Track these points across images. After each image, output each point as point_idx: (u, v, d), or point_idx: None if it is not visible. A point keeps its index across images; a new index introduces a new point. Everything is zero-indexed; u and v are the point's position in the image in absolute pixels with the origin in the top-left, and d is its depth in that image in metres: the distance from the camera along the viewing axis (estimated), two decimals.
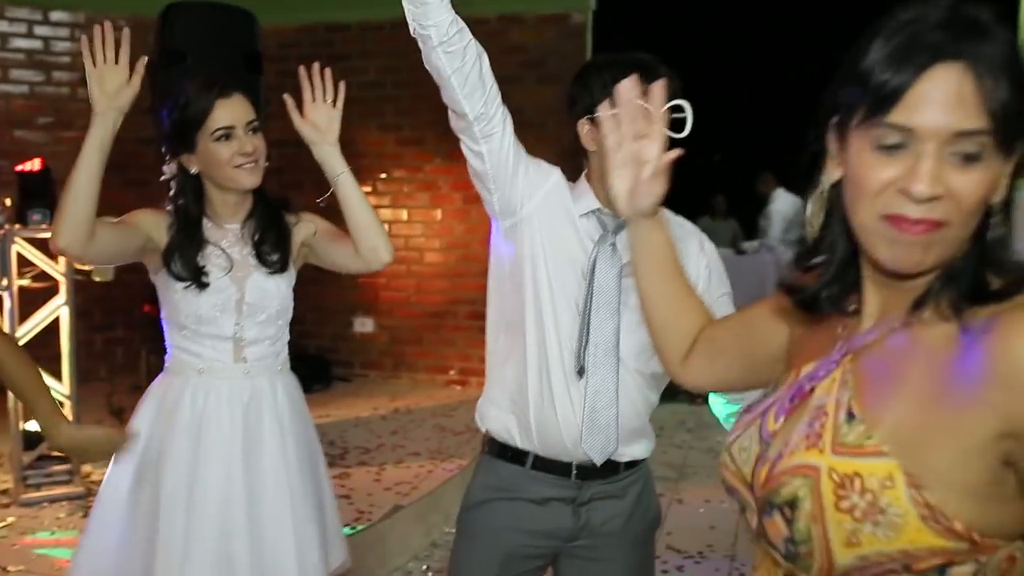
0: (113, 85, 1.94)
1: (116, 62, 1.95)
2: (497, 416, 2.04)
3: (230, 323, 2.11)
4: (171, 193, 2.16)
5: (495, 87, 2.00)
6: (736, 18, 8.58)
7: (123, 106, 1.96)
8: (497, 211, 1.97)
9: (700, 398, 6.31)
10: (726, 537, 4.08)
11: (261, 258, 2.14)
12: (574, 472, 1.95)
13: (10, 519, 3.67)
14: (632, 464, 2.01)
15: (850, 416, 0.97)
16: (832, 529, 0.93)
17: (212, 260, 2.11)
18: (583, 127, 1.93)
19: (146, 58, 1.99)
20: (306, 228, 2.22)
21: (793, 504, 0.96)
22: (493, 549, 1.99)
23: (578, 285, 1.91)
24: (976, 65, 0.89)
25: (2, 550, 3.39)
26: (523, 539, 1.98)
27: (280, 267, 2.16)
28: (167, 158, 2.14)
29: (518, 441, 1.98)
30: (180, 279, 2.08)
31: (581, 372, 1.90)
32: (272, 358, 2.18)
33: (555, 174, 1.99)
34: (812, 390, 1.04)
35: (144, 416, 2.13)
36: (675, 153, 1.24)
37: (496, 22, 6.01)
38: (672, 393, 2.08)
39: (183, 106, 2.07)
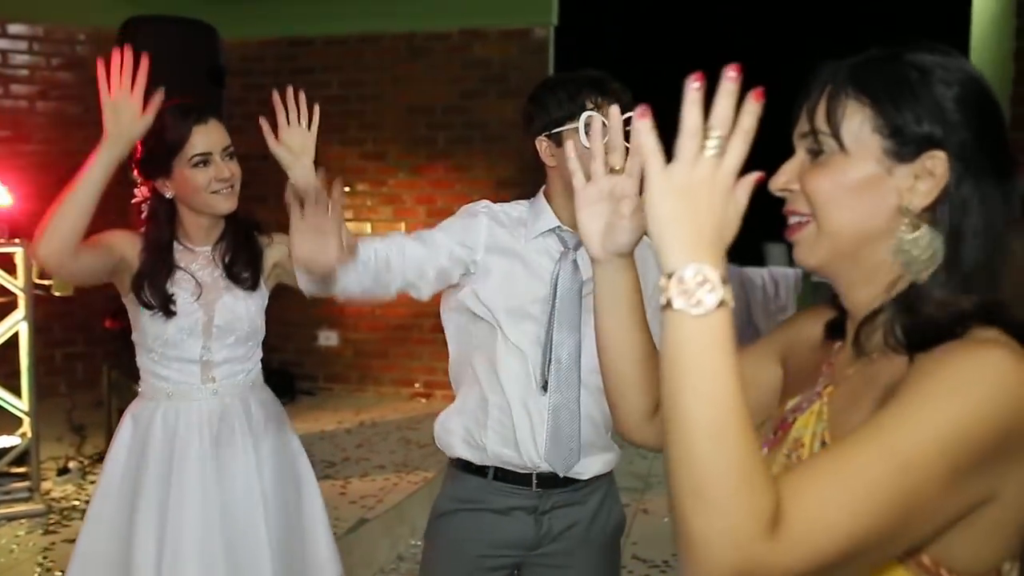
0: (127, 115, 1.92)
1: (132, 91, 1.92)
2: (458, 432, 2.07)
3: (196, 346, 2.11)
4: (143, 216, 2.15)
5: (409, 271, 1.96)
6: (697, 33, 8.69)
7: (135, 137, 1.95)
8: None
9: None
10: None
11: (232, 278, 2.14)
12: (535, 482, 1.98)
13: None
14: (594, 478, 2.02)
15: (823, 445, 0.99)
16: None
17: (181, 285, 2.11)
18: (541, 144, 1.96)
19: (163, 89, 1.95)
20: (279, 250, 2.23)
21: None
22: (458, 559, 2.02)
23: (540, 303, 1.93)
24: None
25: None
26: (486, 549, 2.00)
27: (251, 285, 2.16)
28: (139, 182, 2.13)
29: (478, 459, 2.01)
30: (148, 307, 2.07)
31: (545, 387, 1.93)
32: (243, 375, 2.19)
33: (481, 218, 1.98)
34: (794, 422, 1.07)
35: (122, 440, 2.13)
36: (755, 176, 1.04)
37: (458, 36, 6.04)
38: None
39: (159, 132, 2.05)
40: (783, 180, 1.04)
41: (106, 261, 2.07)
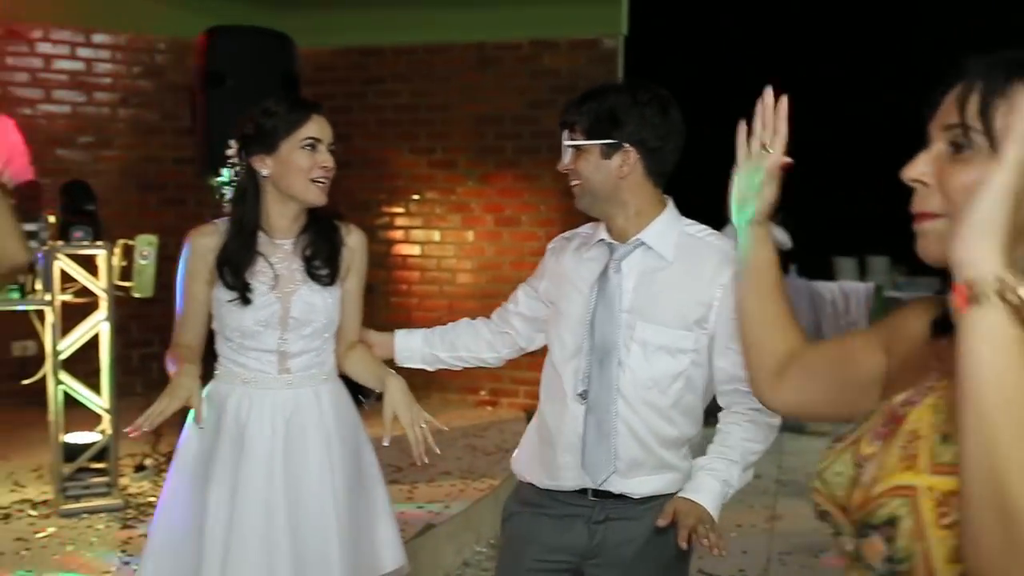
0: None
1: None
2: (522, 451, 2.20)
3: (273, 337, 2.16)
4: (229, 198, 2.22)
5: (522, 322, 2.29)
6: (767, 43, 8.61)
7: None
8: None
9: None
10: (758, 562, 4.07)
11: (311, 273, 2.19)
12: (589, 492, 2.03)
13: (51, 529, 3.73)
14: (651, 498, 2.02)
15: (944, 437, 0.98)
16: (935, 546, 0.93)
17: (259, 276, 2.16)
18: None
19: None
20: (346, 265, 2.28)
21: (893, 523, 0.97)
22: (519, 559, 2.10)
23: (583, 311, 2.02)
24: None
25: (43, 560, 3.45)
26: (543, 553, 2.07)
27: (329, 281, 2.21)
28: (242, 155, 2.18)
29: (532, 479, 2.12)
30: (229, 289, 2.13)
31: (584, 396, 1.99)
32: (317, 368, 2.23)
33: (547, 254, 2.20)
34: (905, 415, 1.05)
35: (191, 429, 2.20)
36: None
37: (528, 47, 6.08)
38: (704, 416, 2.12)
39: (273, 112, 2.13)
40: (918, 171, 1.01)
41: (206, 307, 2.19)
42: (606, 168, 1.95)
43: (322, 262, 2.20)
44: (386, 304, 6.27)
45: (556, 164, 2.04)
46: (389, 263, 6.39)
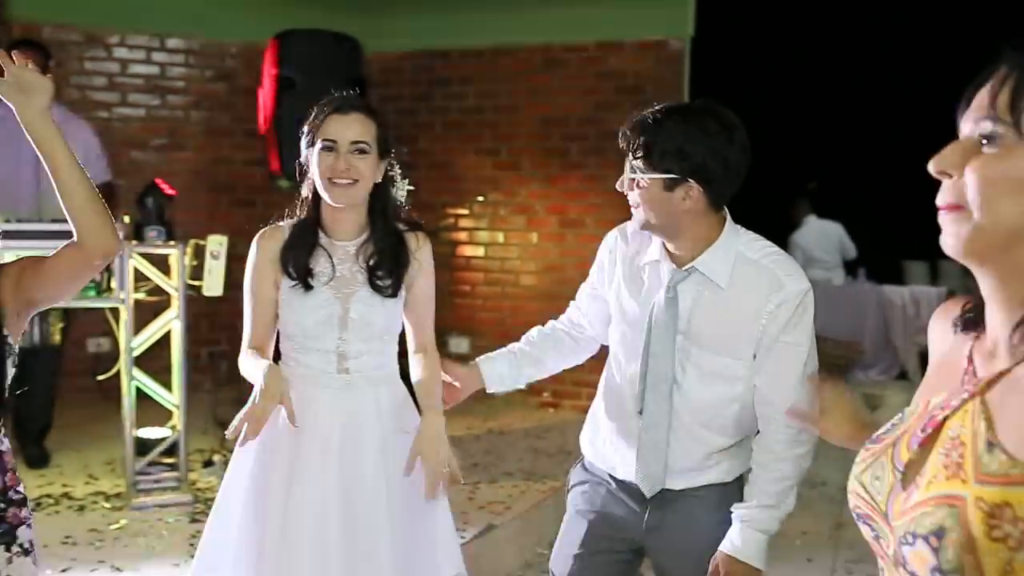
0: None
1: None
2: (587, 432, 2.28)
3: (333, 337, 2.19)
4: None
5: (592, 322, 2.30)
6: (835, 45, 8.47)
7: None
8: None
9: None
10: (823, 570, 4.01)
11: (373, 283, 2.20)
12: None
13: (123, 521, 3.83)
14: (704, 487, 2.09)
15: (989, 445, 0.96)
16: (986, 559, 0.91)
17: (319, 268, 2.19)
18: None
19: None
20: (411, 275, 2.28)
21: (940, 534, 0.95)
22: (579, 525, 2.18)
23: (641, 332, 2.03)
24: None
25: (115, 551, 3.54)
26: (601, 522, 2.15)
27: (391, 293, 2.22)
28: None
29: (593, 460, 2.22)
30: (291, 277, 2.17)
31: (641, 412, 2.04)
32: (376, 369, 2.25)
33: (603, 252, 2.19)
34: (944, 420, 1.03)
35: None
36: None
37: (594, 48, 6.07)
38: None
39: (311, 113, 2.18)
40: (944, 163, 0.99)
41: (272, 307, 2.23)
42: (667, 200, 1.92)
43: (385, 273, 2.20)
44: (450, 305, 6.31)
45: (620, 165, 2.01)
46: (453, 264, 6.42)
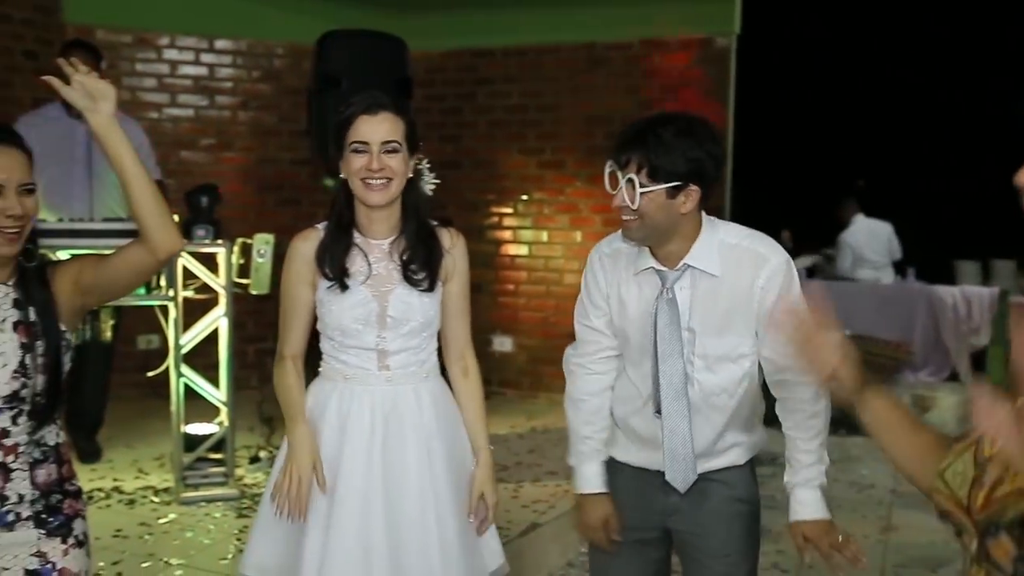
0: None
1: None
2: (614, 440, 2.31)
3: (372, 335, 2.19)
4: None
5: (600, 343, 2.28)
6: (887, 40, 8.35)
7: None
8: None
9: (843, 428, 6.12)
10: (872, 575, 3.95)
11: (408, 277, 2.21)
12: None
13: (171, 516, 3.89)
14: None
15: None
16: None
17: (355, 268, 2.20)
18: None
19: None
20: (447, 270, 2.28)
21: (1022, 524, 0.95)
22: (619, 509, 2.24)
23: (648, 336, 2.11)
24: None
25: (164, 544, 3.60)
26: (640, 515, 2.22)
27: (428, 287, 2.22)
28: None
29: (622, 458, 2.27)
30: (327, 277, 2.18)
31: (659, 411, 2.12)
32: (416, 366, 2.25)
33: (596, 269, 2.22)
34: None
35: (311, 412, 2.25)
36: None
37: (639, 46, 6.05)
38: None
39: (339, 115, 2.20)
40: None
41: (308, 309, 2.25)
42: (670, 206, 2.01)
43: (419, 266, 2.21)
44: (493, 304, 6.33)
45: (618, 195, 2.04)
46: (497, 263, 6.43)
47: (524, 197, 6.41)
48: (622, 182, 2.00)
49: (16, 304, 1.83)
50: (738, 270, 2.05)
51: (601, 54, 6.16)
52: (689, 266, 2.06)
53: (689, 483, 2.13)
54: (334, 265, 2.18)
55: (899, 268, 7.93)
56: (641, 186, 1.98)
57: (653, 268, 2.09)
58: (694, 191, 2.00)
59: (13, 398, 1.79)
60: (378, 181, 2.14)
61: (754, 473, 2.25)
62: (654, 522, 2.22)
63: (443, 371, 2.36)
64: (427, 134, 6.68)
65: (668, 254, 2.08)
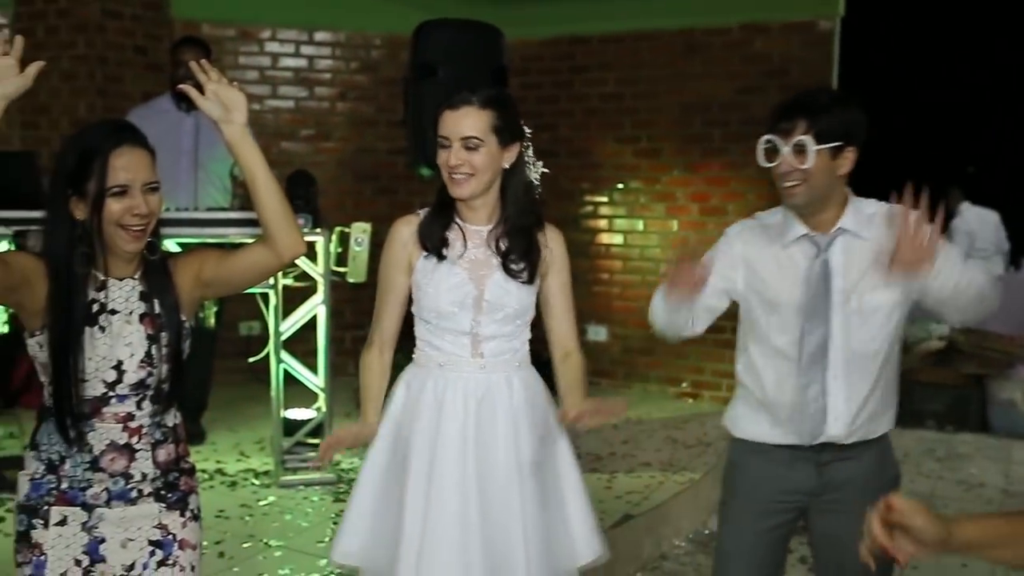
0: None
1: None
2: (737, 411, 2.43)
3: (467, 319, 2.20)
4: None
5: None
6: (997, 22, 8.00)
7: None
8: None
9: (951, 424, 5.92)
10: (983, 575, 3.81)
11: (507, 268, 2.21)
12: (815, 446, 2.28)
13: (271, 498, 3.99)
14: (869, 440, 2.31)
15: None
16: None
17: (453, 242, 2.22)
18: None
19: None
20: (544, 266, 2.28)
21: None
22: (754, 501, 2.35)
23: (796, 299, 2.24)
24: None
25: (264, 526, 3.69)
26: (774, 494, 2.32)
27: (526, 279, 2.23)
28: None
29: (764, 438, 2.34)
30: (426, 246, 2.20)
31: (803, 375, 2.24)
32: (509, 354, 2.25)
33: (734, 241, 2.37)
34: None
35: (396, 401, 2.28)
36: None
37: (739, 31, 5.92)
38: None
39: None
40: None
41: (403, 294, 2.28)
42: (832, 169, 2.17)
43: (517, 257, 2.21)
44: (588, 293, 6.29)
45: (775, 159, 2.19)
46: (591, 252, 6.39)
47: (620, 186, 6.35)
48: (785, 149, 2.15)
49: (142, 297, 1.92)
50: (882, 232, 2.18)
51: (699, 40, 6.05)
52: (843, 230, 2.22)
53: (816, 436, 2.23)
54: (432, 236, 2.21)
55: (1013, 259, 7.61)
56: (799, 148, 2.13)
57: (807, 235, 2.24)
58: (851, 152, 2.17)
59: (139, 386, 1.89)
60: (459, 176, 2.17)
61: (891, 450, 2.38)
62: (789, 501, 2.32)
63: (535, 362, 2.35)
64: (523, 122, 6.64)
65: (821, 221, 2.23)
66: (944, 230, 2.11)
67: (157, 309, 1.91)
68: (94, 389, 1.86)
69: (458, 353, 2.23)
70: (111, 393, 1.87)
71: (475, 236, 2.23)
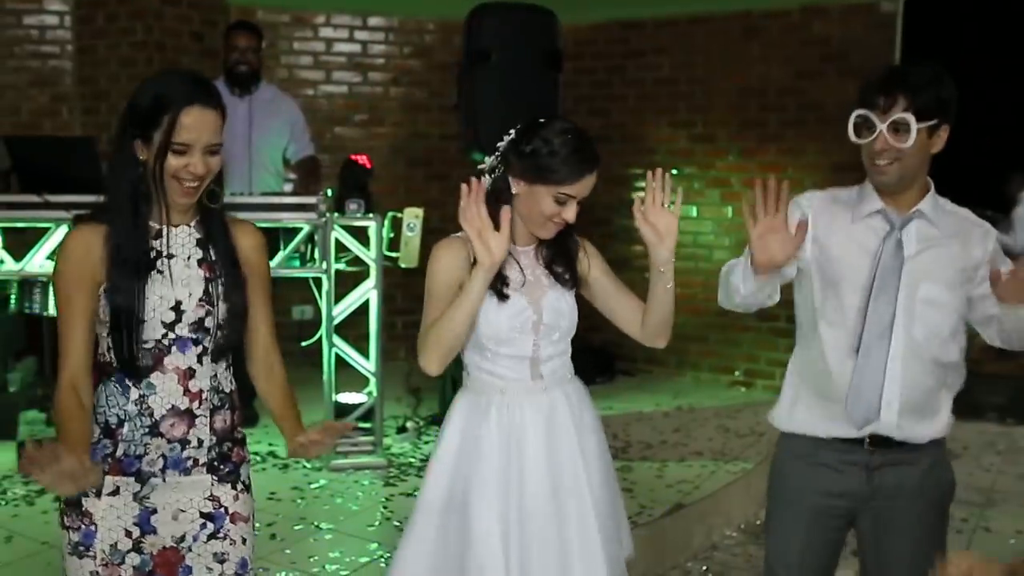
0: (497, 245, 2.00)
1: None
2: (787, 406, 2.31)
3: (528, 343, 2.15)
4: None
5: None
6: None
7: (503, 257, 2.03)
8: None
9: (1012, 417, 5.78)
10: None
11: (555, 276, 2.18)
12: (867, 442, 2.18)
13: (322, 482, 4.02)
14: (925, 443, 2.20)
15: None
16: None
17: (512, 273, 2.15)
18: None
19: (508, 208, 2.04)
20: (585, 261, 2.24)
21: None
22: (799, 510, 2.26)
23: (861, 275, 2.15)
24: None
25: (315, 509, 3.72)
26: (823, 499, 2.23)
27: (572, 284, 2.19)
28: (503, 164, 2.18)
29: (814, 431, 2.24)
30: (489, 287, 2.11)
31: (857, 349, 2.14)
32: (563, 369, 2.23)
33: (796, 213, 2.16)
34: None
35: (451, 438, 2.19)
36: None
37: (798, 14, 5.80)
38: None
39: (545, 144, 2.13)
40: None
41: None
42: (927, 148, 2.09)
43: (562, 264, 2.19)
44: (640, 279, 6.20)
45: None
46: (643, 239, 6.33)
47: (674, 171, 6.28)
48: (881, 126, 2.05)
49: (198, 243, 1.93)
50: (963, 231, 2.17)
51: (757, 23, 5.94)
52: (920, 212, 2.15)
53: (869, 420, 2.14)
54: (496, 281, 2.10)
55: None
56: (897, 127, 2.05)
57: (882, 211, 2.16)
58: (945, 131, 2.10)
59: (199, 327, 1.89)
60: (558, 224, 2.12)
61: (946, 458, 2.28)
62: (837, 507, 2.23)
63: (577, 357, 2.31)
64: (576, 107, 6.64)
65: (902, 201, 2.15)
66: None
67: (213, 256, 1.93)
68: (154, 331, 1.86)
69: (519, 378, 2.17)
70: (172, 335, 1.87)
71: (524, 257, 2.19)
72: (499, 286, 2.12)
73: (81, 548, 1.88)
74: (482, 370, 2.19)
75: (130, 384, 1.87)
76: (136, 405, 1.87)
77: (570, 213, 2.10)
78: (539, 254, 2.21)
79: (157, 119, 1.80)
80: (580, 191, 2.10)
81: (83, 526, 1.88)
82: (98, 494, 1.88)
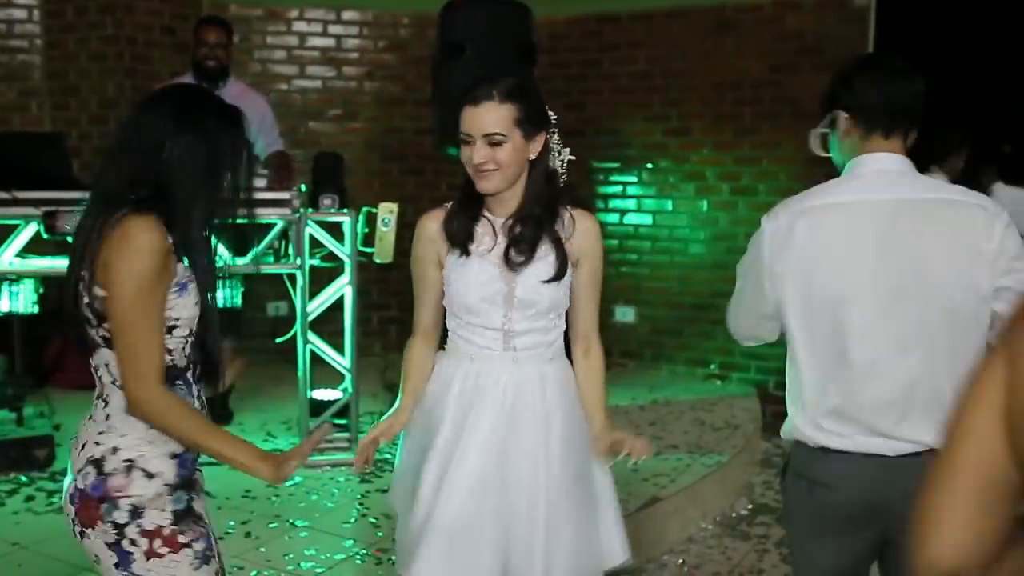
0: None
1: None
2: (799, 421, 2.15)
3: (498, 315, 2.15)
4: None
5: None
6: None
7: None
8: None
9: None
10: None
11: (507, 256, 2.15)
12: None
13: (297, 479, 3.99)
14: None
15: None
16: None
17: (482, 238, 2.16)
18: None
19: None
20: (579, 245, 2.21)
21: None
22: (817, 535, 2.11)
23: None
24: None
25: (290, 506, 3.70)
26: (845, 519, 2.06)
27: (556, 276, 2.15)
28: None
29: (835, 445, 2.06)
30: (452, 241, 2.16)
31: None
32: (543, 347, 2.20)
33: (787, 219, 2.20)
34: None
35: (429, 390, 2.25)
36: None
37: (771, 8, 5.82)
38: None
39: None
40: None
41: (437, 287, 2.22)
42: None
43: (525, 247, 2.14)
44: (616, 274, 6.24)
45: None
46: (620, 232, 6.34)
47: (649, 165, 6.29)
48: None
49: None
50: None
51: (731, 17, 5.96)
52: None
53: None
54: (458, 232, 2.15)
55: None
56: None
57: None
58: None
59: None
60: (485, 171, 2.11)
61: None
62: (865, 524, 2.07)
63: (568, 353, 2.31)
64: (551, 102, 6.49)
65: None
66: None
67: None
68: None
69: (490, 347, 2.18)
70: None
71: (497, 225, 2.19)
72: (466, 243, 2.16)
73: (208, 553, 1.86)
74: (457, 335, 2.23)
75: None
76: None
77: (478, 154, 2.09)
78: (507, 228, 2.17)
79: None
80: (471, 127, 2.10)
81: (201, 530, 1.85)
82: (199, 493, 1.91)
